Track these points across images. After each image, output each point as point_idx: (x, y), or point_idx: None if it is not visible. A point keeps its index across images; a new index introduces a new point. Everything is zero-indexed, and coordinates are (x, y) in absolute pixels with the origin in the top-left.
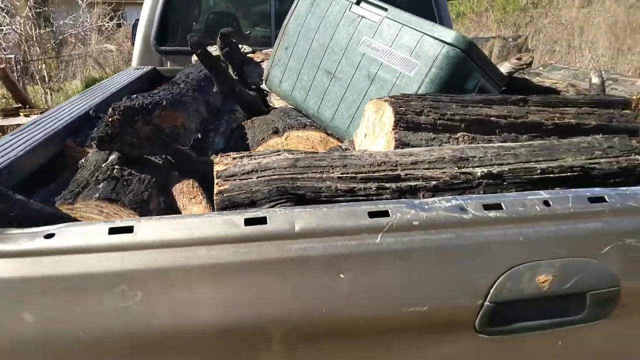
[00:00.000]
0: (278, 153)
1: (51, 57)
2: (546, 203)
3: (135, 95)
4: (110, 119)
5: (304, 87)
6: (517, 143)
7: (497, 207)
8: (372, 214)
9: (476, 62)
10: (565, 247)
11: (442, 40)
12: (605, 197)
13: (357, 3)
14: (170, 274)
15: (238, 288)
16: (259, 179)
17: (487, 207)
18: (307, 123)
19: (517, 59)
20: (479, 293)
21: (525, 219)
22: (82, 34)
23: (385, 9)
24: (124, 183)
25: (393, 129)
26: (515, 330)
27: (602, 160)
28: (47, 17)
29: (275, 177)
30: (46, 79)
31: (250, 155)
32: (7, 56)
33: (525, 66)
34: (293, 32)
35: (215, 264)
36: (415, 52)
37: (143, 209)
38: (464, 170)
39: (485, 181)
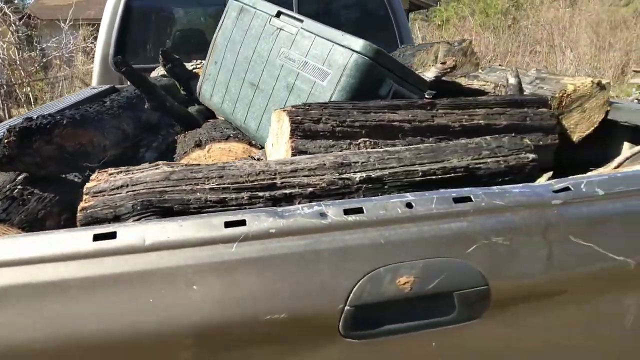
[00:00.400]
0: (156, 166)
1: (36, 80)
2: (409, 205)
3: (36, 116)
4: (6, 141)
5: (232, 100)
6: (403, 147)
7: (358, 211)
8: (228, 224)
9: (387, 68)
10: (428, 248)
11: (351, 49)
12: (472, 197)
13: (277, 16)
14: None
15: (85, 304)
16: (127, 193)
17: (347, 211)
18: (231, 135)
19: (442, 63)
20: (339, 297)
21: (387, 222)
22: (67, 55)
23: (301, 21)
24: (21, 202)
25: (290, 138)
26: (383, 333)
27: (489, 160)
28: (30, 41)
29: (144, 191)
30: (32, 101)
31: (128, 170)
32: None
33: (449, 70)
34: (221, 47)
35: (61, 280)
36: (327, 61)
37: (35, 228)
38: (343, 175)
39: (364, 186)
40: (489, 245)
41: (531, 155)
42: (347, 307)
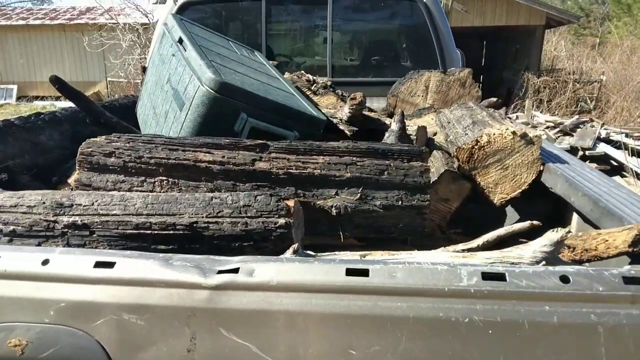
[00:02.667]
0: None
1: None
2: (45, 262)
3: None
4: None
5: (144, 120)
6: (142, 193)
7: None
8: None
9: (244, 103)
10: (50, 314)
11: (200, 80)
12: (116, 262)
13: (180, 42)
14: None
15: None
16: None
17: None
18: None
19: (351, 99)
20: None
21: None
22: None
23: (185, 49)
24: None
25: (77, 169)
26: None
27: (227, 219)
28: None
29: None
30: None
31: None
32: None
33: (355, 106)
34: (149, 68)
35: None
36: (186, 90)
37: None
38: (53, 218)
39: (69, 231)
40: (118, 322)
41: (282, 220)
42: None
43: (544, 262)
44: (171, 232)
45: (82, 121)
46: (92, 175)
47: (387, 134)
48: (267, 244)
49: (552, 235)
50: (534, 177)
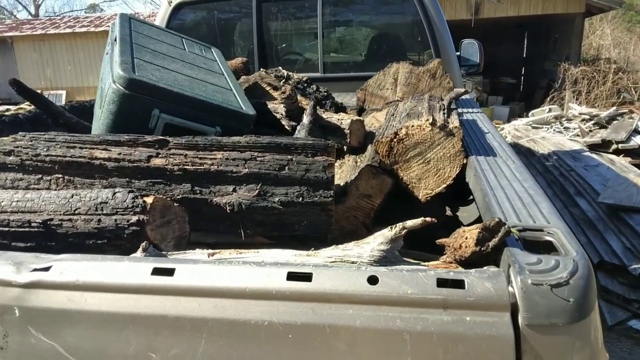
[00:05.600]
0: None
1: None
2: None
3: None
4: None
5: (95, 117)
6: (11, 191)
7: None
8: None
9: (155, 99)
10: None
11: (112, 77)
12: None
13: (115, 40)
14: None
15: None
16: None
17: None
18: None
19: (281, 92)
20: None
21: None
22: None
23: (113, 46)
24: None
25: None
26: None
27: (82, 216)
28: None
29: None
30: None
31: None
32: None
33: (284, 100)
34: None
35: None
36: (106, 87)
37: None
38: None
39: None
40: None
41: (135, 218)
42: None
43: (385, 261)
44: (26, 229)
45: (44, 123)
46: None
47: (298, 128)
48: (122, 241)
49: (388, 233)
50: (457, 171)
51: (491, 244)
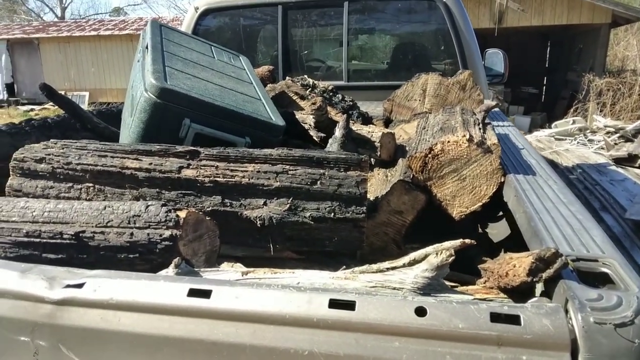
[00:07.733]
0: None
1: None
2: None
3: None
4: None
5: (121, 127)
6: (44, 200)
7: None
8: None
9: (187, 108)
10: None
11: (144, 86)
12: None
13: (147, 48)
14: None
15: None
16: None
17: None
18: None
19: (312, 103)
20: None
21: None
22: None
23: (145, 53)
24: None
25: (11, 175)
26: None
27: (114, 229)
28: None
29: None
30: None
31: None
32: None
33: (315, 111)
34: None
35: None
36: (136, 96)
37: None
38: None
39: None
40: None
41: (168, 232)
42: None
43: (430, 289)
44: (58, 240)
45: (73, 127)
46: (24, 181)
47: (330, 141)
48: (153, 256)
49: (433, 260)
50: (494, 189)
51: (545, 275)
